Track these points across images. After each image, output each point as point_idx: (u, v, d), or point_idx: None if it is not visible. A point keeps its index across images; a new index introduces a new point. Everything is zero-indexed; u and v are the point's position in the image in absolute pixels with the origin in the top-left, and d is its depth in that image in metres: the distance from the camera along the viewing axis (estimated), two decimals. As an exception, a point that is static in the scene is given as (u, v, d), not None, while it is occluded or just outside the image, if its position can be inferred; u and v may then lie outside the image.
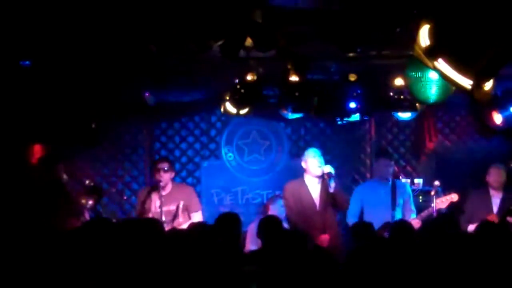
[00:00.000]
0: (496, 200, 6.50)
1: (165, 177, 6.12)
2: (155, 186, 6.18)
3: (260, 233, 4.95)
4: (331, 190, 6.02)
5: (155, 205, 6.08)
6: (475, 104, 6.94)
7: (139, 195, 6.41)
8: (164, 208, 5.99)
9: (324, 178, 6.08)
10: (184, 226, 5.81)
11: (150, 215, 6.01)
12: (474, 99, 3.16)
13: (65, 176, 6.17)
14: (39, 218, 5.63)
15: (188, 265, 3.60)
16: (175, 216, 6.03)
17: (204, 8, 4.05)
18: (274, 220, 5.07)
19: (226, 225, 4.95)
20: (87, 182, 6.44)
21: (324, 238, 5.95)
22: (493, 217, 6.24)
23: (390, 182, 6.58)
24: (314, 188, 6.15)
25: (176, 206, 6.06)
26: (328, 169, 6.03)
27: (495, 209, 6.46)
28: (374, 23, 4.15)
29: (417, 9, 3.70)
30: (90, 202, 6.12)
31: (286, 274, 3.70)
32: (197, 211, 6.22)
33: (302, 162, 6.29)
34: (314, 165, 6.13)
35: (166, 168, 6.14)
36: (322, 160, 6.15)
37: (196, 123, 8.24)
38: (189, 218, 6.13)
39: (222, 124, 8.20)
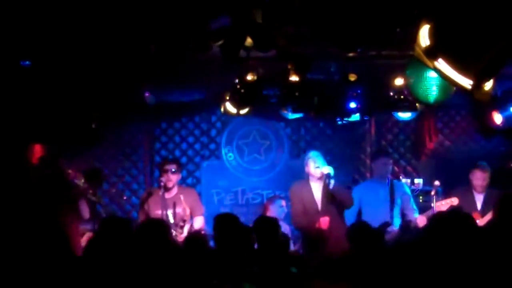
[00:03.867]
0: (479, 197, 6.49)
1: (173, 179, 6.08)
2: (156, 189, 6.16)
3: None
4: (330, 187, 6.01)
5: (158, 208, 5.98)
6: (475, 104, 6.95)
7: (140, 200, 6.38)
8: (170, 211, 5.94)
9: (324, 179, 6.07)
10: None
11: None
12: (474, 99, 3.16)
13: (70, 172, 6.14)
14: (40, 217, 5.62)
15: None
16: (184, 220, 5.98)
17: (204, 8, 4.05)
18: (270, 221, 5.07)
19: (224, 227, 4.94)
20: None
21: (324, 220, 5.95)
22: (477, 215, 6.23)
23: (388, 182, 6.59)
24: (317, 189, 6.14)
25: (183, 209, 6.02)
26: (327, 170, 6.01)
27: (479, 205, 6.45)
28: (374, 23, 4.15)
29: (417, 9, 3.70)
30: (90, 190, 6.08)
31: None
32: (200, 215, 6.19)
33: (305, 166, 6.25)
34: (313, 168, 6.11)
35: (174, 170, 6.08)
36: (322, 161, 6.13)
37: (196, 123, 8.24)
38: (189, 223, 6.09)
39: (222, 124, 8.20)
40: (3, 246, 3.84)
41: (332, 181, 6.00)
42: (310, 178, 6.20)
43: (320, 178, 6.07)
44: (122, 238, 3.49)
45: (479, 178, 6.47)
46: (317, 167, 6.06)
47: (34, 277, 3.27)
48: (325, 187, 6.03)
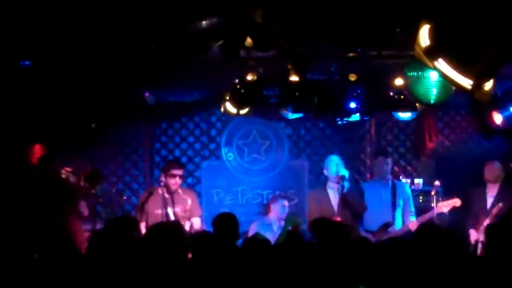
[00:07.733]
0: (490, 198, 6.57)
1: (179, 183, 6.12)
2: (156, 188, 6.16)
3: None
4: (344, 190, 6.14)
5: (158, 207, 6.01)
6: (475, 104, 6.94)
7: (139, 200, 6.38)
8: (171, 210, 5.96)
9: (340, 183, 6.21)
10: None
11: (152, 219, 5.90)
12: (474, 99, 3.16)
13: (71, 177, 6.16)
14: (40, 218, 5.63)
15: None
16: (184, 218, 6.00)
17: (204, 8, 4.05)
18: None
19: (223, 226, 4.94)
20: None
21: (336, 220, 6.00)
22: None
23: (391, 183, 6.62)
24: (333, 194, 6.32)
25: (182, 208, 6.04)
26: (343, 172, 6.21)
27: (489, 204, 6.50)
28: (374, 23, 4.15)
29: (417, 9, 3.71)
30: (90, 190, 6.10)
31: None
32: (198, 216, 6.21)
33: (324, 170, 6.49)
34: (332, 171, 6.32)
35: (181, 175, 6.13)
36: (341, 165, 6.32)
37: (196, 123, 8.24)
38: (189, 222, 6.10)
39: (222, 124, 8.20)
40: (4, 246, 3.85)
41: (346, 184, 6.10)
42: (328, 183, 6.39)
43: (337, 182, 6.21)
44: (127, 238, 3.48)
45: (489, 169, 6.67)
46: (337, 171, 6.25)
47: (36, 275, 3.27)
48: (341, 189, 6.14)
